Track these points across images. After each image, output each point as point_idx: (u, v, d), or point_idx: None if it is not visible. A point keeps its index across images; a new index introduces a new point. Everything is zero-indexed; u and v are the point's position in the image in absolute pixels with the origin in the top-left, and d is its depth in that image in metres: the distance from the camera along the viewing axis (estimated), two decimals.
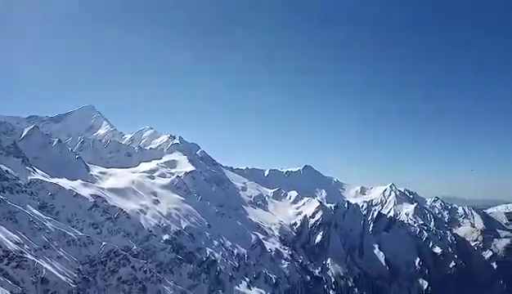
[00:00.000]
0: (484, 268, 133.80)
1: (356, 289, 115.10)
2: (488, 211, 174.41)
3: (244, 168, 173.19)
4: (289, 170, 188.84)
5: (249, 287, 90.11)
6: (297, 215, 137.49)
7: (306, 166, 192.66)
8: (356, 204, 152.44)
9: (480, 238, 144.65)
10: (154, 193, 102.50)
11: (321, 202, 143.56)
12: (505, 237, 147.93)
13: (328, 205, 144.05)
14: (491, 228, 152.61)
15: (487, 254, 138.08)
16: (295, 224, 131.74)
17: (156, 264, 74.22)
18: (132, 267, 62.78)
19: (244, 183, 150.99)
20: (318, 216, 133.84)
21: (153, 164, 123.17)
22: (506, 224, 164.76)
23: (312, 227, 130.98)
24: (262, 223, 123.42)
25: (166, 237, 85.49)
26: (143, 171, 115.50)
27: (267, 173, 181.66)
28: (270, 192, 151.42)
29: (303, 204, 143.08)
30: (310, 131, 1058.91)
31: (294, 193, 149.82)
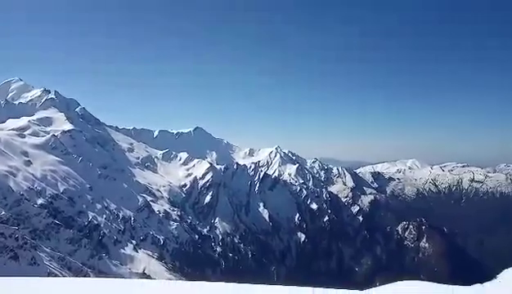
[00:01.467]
0: (352, 221, 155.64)
1: (242, 244, 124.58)
2: (357, 171, 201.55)
3: (131, 128, 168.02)
4: (180, 131, 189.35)
5: (135, 249, 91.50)
6: (187, 176, 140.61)
7: (197, 127, 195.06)
8: (244, 165, 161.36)
9: (350, 194, 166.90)
10: (26, 154, 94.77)
11: (211, 164, 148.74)
12: (370, 193, 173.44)
13: (218, 166, 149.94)
14: (359, 186, 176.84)
15: (355, 208, 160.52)
16: (185, 185, 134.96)
17: (30, 230, 70.60)
18: (1, 234, 58.98)
19: (132, 144, 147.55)
20: (208, 177, 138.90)
21: (23, 121, 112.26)
22: (371, 182, 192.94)
23: (201, 188, 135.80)
24: (151, 185, 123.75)
25: (41, 201, 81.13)
26: (11, 129, 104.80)
27: (156, 134, 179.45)
28: (159, 153, 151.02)
29: (194, 166, 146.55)
30: (203, 93, 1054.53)
31: (184, 155, 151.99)
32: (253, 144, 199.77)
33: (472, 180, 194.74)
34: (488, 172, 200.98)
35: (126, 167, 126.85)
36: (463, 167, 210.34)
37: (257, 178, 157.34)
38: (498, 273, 22.93)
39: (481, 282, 19.14)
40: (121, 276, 71.88)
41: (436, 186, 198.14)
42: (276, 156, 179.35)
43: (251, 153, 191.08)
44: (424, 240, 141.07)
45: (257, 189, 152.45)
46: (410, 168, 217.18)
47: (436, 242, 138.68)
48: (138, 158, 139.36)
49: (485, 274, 26.10)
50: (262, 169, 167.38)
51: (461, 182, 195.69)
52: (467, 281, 20.43)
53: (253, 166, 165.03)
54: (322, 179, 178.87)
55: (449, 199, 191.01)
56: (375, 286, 18.84)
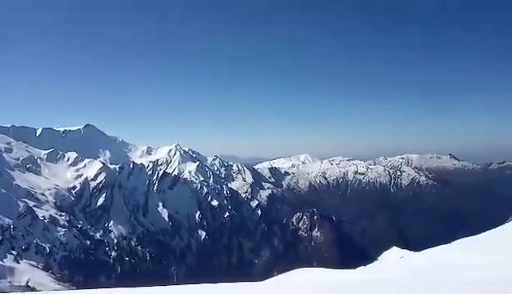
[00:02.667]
0: (251, 215, 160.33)
1: (139, 247, 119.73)
2: (256, 167, 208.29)
3: (9, 126, 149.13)
4: (68, 129, 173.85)
5: (16, 260, 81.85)
6: (76, 178, 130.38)
7: (87, 125, 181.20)
8: (141, 164, 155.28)
9: (249, 190, 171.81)
10: None
11: (104, 164, 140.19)
12: (268, 188, 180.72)
13: (112, 166, 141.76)
14: (257, 181, 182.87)
15: (254, 203, 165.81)
16: (74, 187, 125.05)
17: None
18: None
19: (10, 143, 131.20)
20: (101, 177, 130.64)
21: None
22: (269, 177, 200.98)
23: (93, 190, 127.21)
24: (34, 189, 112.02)
25: None
26: None
27: (39, 132, 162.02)
28: (43, 153, 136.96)
29: (84, 166, 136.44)
30: (94, 88, 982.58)
31: (73, 155, 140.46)
32: (150, 143, 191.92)
33: (356, 173, 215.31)
34: (369, 165, 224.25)
35: (3, 170, 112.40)
36: (348, 160, 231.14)
37: (155, 177, 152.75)
38: (379, 255, 25.51)
39: (365, 265, 21.08)
40: (1, 291, 63.51)
41: (325, 179, 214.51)
42: (175, 154, 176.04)
43: (149, 151, 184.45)
44: (316, 229, 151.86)
45: (155, 188, 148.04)
46: (303, 163, 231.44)
47: (326, 231, 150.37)
48: (18, 159, 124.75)
49: (368, 257, 28.96)
50: (161, 167, 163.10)
51: (347, 174, 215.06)
52: (353, 264, 22.36)
53: (151, 165, 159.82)
54: (223, 176, 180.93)
55: (337, 190, 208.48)
56: (273, 276, 19.52)
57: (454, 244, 22.82)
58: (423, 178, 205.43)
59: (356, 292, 7.77)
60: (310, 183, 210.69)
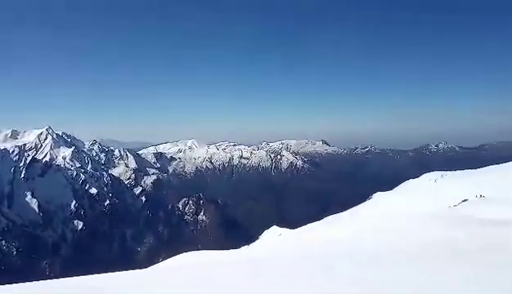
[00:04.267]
0: (135, 202, 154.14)
1: (3, 241, 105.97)
2: (140, 152, 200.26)
3: None
4: None
5: None
6: None
7: None
8: (5, 150, 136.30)
9: (133, 176, 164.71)
10: None
11: None
12: (153, 174, 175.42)
13: None
14: (142, 167, 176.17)
15: (138, 190, 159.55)
16: None
17: None
18: None
19: None
20: None
21: None
22: (154, 162, 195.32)
23: None
24: None
25: None
26: None
27: None
28: None
29: None
30: None
31: None
32: (16, 125, 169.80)
33: (241, 157, 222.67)
34: (253, 150, 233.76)
35: None
36: (234, 145, 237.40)
37: (22, 164, 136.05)
38: (260, 235, 27.03)
39: (248, 244, 22.18)
40: None
41: (212, 163, 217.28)
42: (46, 138, 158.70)
43: (14, 135, 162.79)
44: (202, 213, 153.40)
45: (22, 176, 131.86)
46: (190, 148, 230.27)
47: (212, 214, 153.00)
48: None
49: (252, 237, 30.43)
50: (30, 153, 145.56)
51: (232, 159, 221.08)
52: (237, 244, 23.26)
53: (17, 150, 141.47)
54: (103, 162, 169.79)
55: (223, 174, 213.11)
56: (158, 262, 19.27)
57: (324, 221, 25.48)
58: (300, 162, 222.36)
59: (233, 270, 8.20)
60: (197, 168, 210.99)
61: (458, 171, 49.76)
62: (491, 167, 48.40)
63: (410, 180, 50.02)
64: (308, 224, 23.92)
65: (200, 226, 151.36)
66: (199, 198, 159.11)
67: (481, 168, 49.29)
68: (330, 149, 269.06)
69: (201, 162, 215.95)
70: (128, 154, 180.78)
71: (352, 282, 5.55)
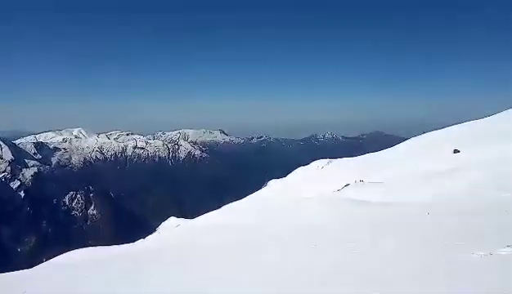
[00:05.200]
0: (12, 198, 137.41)
1: None
2: (17, 141, 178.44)
3: None
4: None
5: None
6: None
7: None
8: None
9: (8, 168, 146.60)
10: None
11: None
12: (33, 166, 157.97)
13: None
14: (19, 158, 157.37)
15: (15, 184, 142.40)
16: None
17: None
18: None
19: None
20: None
21: None
22: (34, 153, 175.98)
23: None
24: None
25: None
26: None
27: None
28: None
29: None
30: None
31: None
32: None
33: (135, 147, 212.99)
34: (149, 139, 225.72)
35: None
36: (127, 134, 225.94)
37: None
38: (157, 226, 26.42)
39: (143, 237, 21.48)
40: None
41: (102, 154, 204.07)
42: None
43: None
44: (92, 207, 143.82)
45: None
46: (76, 137, 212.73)
47: (103, 208, 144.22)
48: None
49: (149, 229, 29.48)
50: None
51: (126, 149, 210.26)
52: (133, 238, 22.36)
53: None
54: None
55: (115, 165, 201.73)
56: (41, 262, 17.58)
57: (221, 209, 25.94)
58: (198, 151, 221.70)
59: (124, 266, 7.96)
60: (85, 159, 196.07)
61: (342, 159, 54.93)
62: (368, 154, 54.50)
63: (301, 167, 53.74)
64: (206, 214, 24.08)
65: (91, 221, 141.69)
66: (88, 191, 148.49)
67: (361, 156, 55.18)
68: (227, 139, 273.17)
69: (90, 153, 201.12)
70: (2, 144, 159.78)
71: (244, 267, 5.81)
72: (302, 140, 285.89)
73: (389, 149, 53.58)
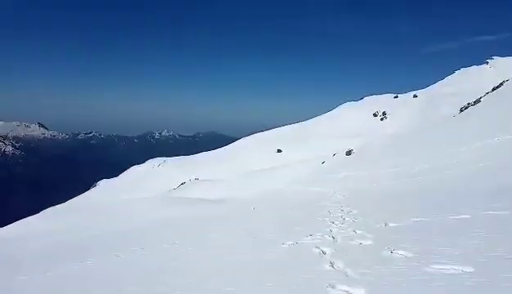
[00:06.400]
0: None
1: None
2: None
3: None
4: None
5: None
6: None
7: None
8: None
9: None
10: None
11: None
12: None
13: None
14: None
15: None
16: None
17: None
18: None
19: None
20: None
21: None
22: None
23: None
24: None
25: None
26: None
27: None
28: None
29: None
30: None
31: None
32: None
33: None
34: None
35: None
36: None
37: None
38: None
39: None
40: None
41: None
42: None
43: None
44: None
45: None
46: None
47: None
48: None
49: None
50: None
51: None
52: None
53: None
54: None
55: None
56: None
57: (41, 214, 23.15)
58: (10, 147, 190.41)
59: None
60: None
61: (178, 157, 55.49)
62: (204, 153, 56.51)
63: (135, 165, 52.09)
64: (26, 219, 21.26)
65: None
66: None
67: (197, 154, 56.77)
68: (48, 134, 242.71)
69: None
70: None
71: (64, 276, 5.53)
72: (136, 138, 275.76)
73: (222, 148, 56.82)
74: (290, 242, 4.32)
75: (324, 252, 3.69)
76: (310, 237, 4.50)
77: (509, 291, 2.18)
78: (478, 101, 25.17)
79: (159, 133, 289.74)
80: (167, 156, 52.45)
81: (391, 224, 4.62)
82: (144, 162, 50.23)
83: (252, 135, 57.02)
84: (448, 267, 2.69)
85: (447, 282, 2.46)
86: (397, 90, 72.84)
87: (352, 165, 20.30)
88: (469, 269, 2.59)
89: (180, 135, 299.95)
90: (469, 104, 26.18)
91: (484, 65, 64.25)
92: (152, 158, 51.10)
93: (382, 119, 54.11)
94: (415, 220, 4.69)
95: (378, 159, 19.43)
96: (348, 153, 28.04)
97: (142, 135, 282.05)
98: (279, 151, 46.23)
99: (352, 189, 11.27)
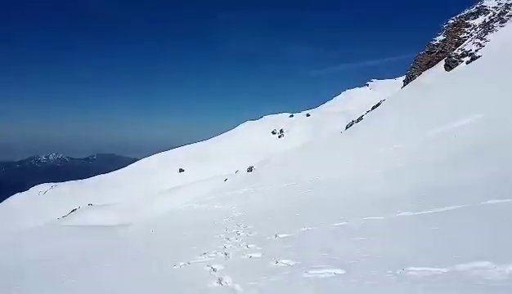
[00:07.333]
0: None
1: None
2: None
3: None
4: None
5: None
6: None
7: None
8: None
9: None
10: None
11: None
12: None
13: None
14: None
15: None
16: None
17: None
18: None
19: None
20: None
21: None
22: None
23: None
24: None
25: None
26: None
27: None
28: None
29: None
30: None
31: None
32: None
33: None
34: None
35: None
36: None
37: None
38: None
39: None
40: None
41: None
42: None
43: None
44: None
45: None
46: None
47: None
48: None
49: None
50: None
51: None
52: None
53: None
54: None
55: None
56: None
57: None
58: None
59: None
60: None
61: (69, 182, 51.05)
62: (99, 176, 52.92)
63: (18, 193, 46.54)
64: None
65: None
66: None
67: (90, 178, 52.88)
68: None
69: None
70: None
71: None
72: (18, 163, 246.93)
73: (120, 169, 53.92)
74: (182, 263, 4.28)
75: (214, 269, 3.76)
76: (204, 255, 4.51)
77: (373, 288, 2.44)
78: (360, 118, 28.06)
79: (46, 157, 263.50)
80: (56, 181, 48.17)
81: (281, 236, 4.89)
82: (28, 188, 45.35)
83: (153, 155, 55.37)
84: (323, 271, 2.96)
85: (321, 286, 2.70)
86: (293, 109, 78.26)
87: (253, 181, 20.89)
88: (340, 272, 2.88)
89: (70, 158, 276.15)
90: (353, 121, 29.02)
91: (365, 87, 72.81)
92: (38, 183, 46.43)
93: (280, 136, 57.11)
94: (303, 229, 5.04)
95: (274, 174, 20.36)
96: (250, 169, 28.81)
97: (26, 159, 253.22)
98: (181, 171, 45.52)
99: (249, 205, 11.60)
